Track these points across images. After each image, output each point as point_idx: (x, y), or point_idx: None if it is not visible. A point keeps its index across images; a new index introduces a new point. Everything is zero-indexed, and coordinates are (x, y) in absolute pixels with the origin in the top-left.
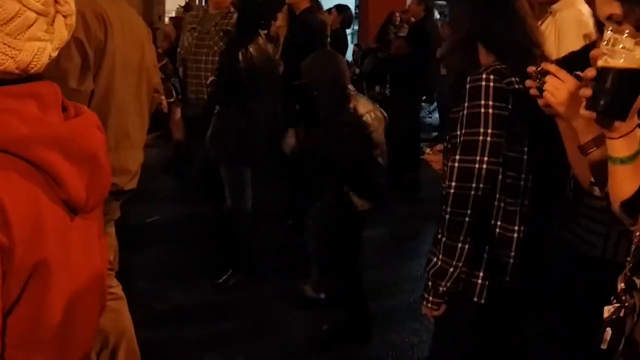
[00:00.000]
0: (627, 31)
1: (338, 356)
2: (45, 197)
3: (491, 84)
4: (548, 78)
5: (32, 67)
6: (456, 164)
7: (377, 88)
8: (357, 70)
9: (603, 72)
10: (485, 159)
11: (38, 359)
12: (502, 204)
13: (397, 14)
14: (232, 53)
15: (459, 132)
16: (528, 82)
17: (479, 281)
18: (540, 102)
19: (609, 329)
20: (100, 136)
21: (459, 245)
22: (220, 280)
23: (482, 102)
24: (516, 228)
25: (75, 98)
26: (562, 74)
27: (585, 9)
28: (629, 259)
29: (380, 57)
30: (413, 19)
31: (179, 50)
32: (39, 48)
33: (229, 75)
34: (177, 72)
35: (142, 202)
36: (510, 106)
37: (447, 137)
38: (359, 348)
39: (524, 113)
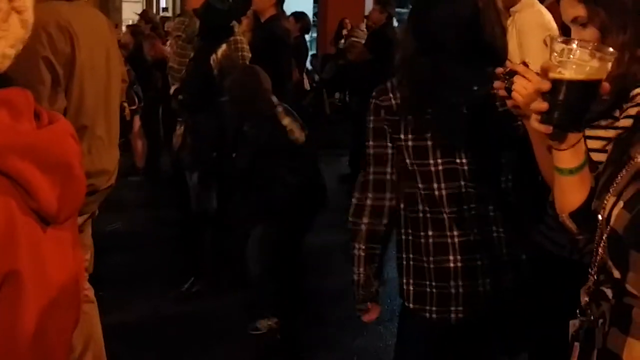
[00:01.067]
0: (577, 42)
1: None
2: (17, 207)
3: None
4: (516, 78)
5: None
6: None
7: (337, 95)
8: (317, 77)
9: (556, 84)
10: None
11: None
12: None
13: (347, 21)
14: (203, 59)
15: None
16: (497, 84)
17: (404, 287)
18: (508, 103)
19: (576, 344)
20: (74, 145)
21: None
22: (183, 289)
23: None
24: (454, 233)
25: None
26: (530, 74)
27: (546, 10)
28: (591, 271)
29: (340, 64)
30: (373, 26)
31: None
32: None
33: (201, 82)
34: (138, 79)
35: (103, 210)
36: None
37: None
38: (325, 354)
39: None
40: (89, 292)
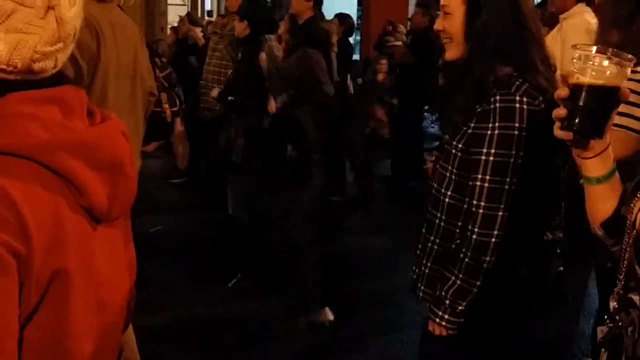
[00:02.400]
0: (595, 47)
1: None
2: (66, 205)
3: (525, 106)
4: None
5: (15, 62)
6: (486, 185)
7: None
8: (360, 80)
9: (575, 90)
10: (514, 180)
11: None
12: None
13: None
14: (251, 59)
15: (485, 150)
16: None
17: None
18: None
19: (603, 350)
20: (125, 143)
21: (485, 265)
22: (229, 285)
23: (517, 124)
24: (495, 232)
25: None
26: None
27: (593, 19)
28: (620, 277)
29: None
30: (416, 29)
31: None
32: (20, 41)
33: (251, 82)
34: (182, 81)
35: (145, 212)
36: (538, 127)
37: (458, 147)
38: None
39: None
40: None
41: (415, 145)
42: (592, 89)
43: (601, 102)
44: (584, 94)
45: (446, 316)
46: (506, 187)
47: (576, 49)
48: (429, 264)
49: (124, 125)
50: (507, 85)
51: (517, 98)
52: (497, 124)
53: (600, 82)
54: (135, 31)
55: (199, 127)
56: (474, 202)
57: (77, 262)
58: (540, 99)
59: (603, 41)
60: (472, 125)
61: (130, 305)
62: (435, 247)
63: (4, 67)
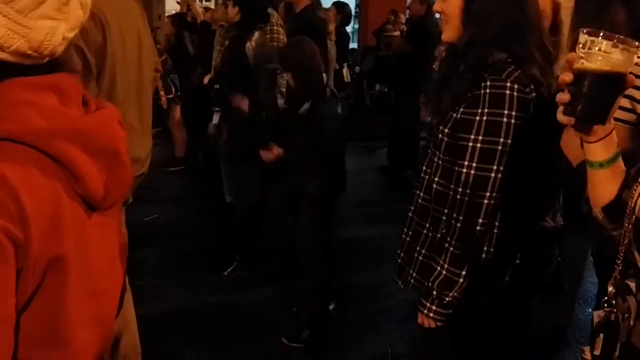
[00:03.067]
0: (602, 33)
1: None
2: (64, 192)
3: (515, 93)
4: None
5: (45, 48)
6: (472, 172)
7: (378, 86)
8: (357, 69)
9: (580, 75)
10: (501, 168)
11: (57, 356)
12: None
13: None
14: (237, 47)
15: (473, 137)
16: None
17: (460, 280)
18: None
19: (601, 335)
20: (121, 131)
21: (469, 254)
22: (225, 273)
23: (506, 111)
24: (497, 223)
25: None
26: None
27: None
28: (618, 262)
29: (381, 55)
30: (413, 17)
31: None
32: (51, 27)
33: (236, 70)
34: (180, 69)
35: (142, 200)
36: (528, 116)
37: (445, 132)
38: (357, 346)
39: (538, 119)
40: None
41: (411, 134)
42: (597, 75)
43: (606, 88)
44: (588, 79)
45: (434, 307)
46: (492, 174)
47: (582, 33)
48: (422, 251)
49: (120, 113)
50: (499, 71)
51: (508, 84)
52: (485, 110)
53: (606, 68)
54: (138, 13)
55: (196, 114)
56: (459, 189)
57: (73, 249)
58: (532, 87)
59: (575, 39)
60: (461, 110)
61: (122, 293)
62: (429, 234)
63: (31, 52)
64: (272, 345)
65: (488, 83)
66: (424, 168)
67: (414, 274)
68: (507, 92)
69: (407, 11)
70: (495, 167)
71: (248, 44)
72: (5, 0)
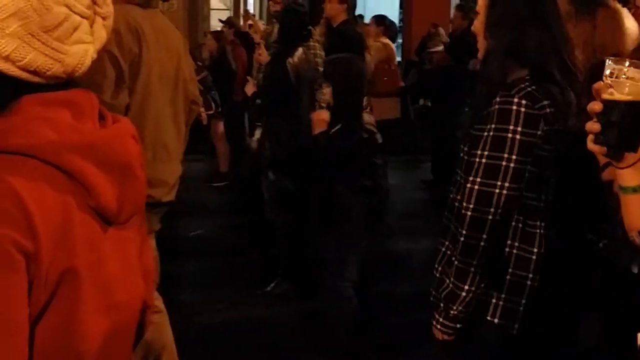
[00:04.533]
0: (628, 62)
1: None
2: (76, 206)
3: (522, 109)
4: None
5: (78, 70)
6: (476, 187)
7: (421, 101)
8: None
9: (609, 105)
10: (506, 184)
11: None
12: (520, 225)
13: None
14: (278, 63)
15: (479, 152)
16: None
17: (493, 300)
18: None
19: None
20: (135, 146)
21: (472, 270)
22: (269, 288)
23: (511, 127)
24: (535, 250)
25: (110, 111)
26: None
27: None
28: None
29: (424, 70)
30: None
31: None
32: (84, 50)
33: (277, 86)
34: (223, 84)
35: (186, 215)
36: (540, 132)
37: (464, 150)
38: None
39: (553, 136)
40: (158, 302)
41: (452, 149)
42: (626, 105)
43: (635, 117)
44: (617, 109)
45: (441, 319)
46: (497, 190)
47: (609, 62)
48: (439, 268)
49: (134, 129)
50: (511, 88)
51: (515, 100)
52: (493, 126)
53: (632, 97)
54: (179, 38)
55: (239, 129)
56: (464, 204)
57: (86, 262)
58: (545, 103)
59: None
60: (475, 127)
61: (143, 308)
62: (448, 251)
63: (64, 76)
64: (314, 358)
65: (498, 99)
66: (451, 188)
67: (432, 291)
68: (514, 107)
69: (450, 25)
70: (499, 183)
71: (290, 60)
72: (45, 29)
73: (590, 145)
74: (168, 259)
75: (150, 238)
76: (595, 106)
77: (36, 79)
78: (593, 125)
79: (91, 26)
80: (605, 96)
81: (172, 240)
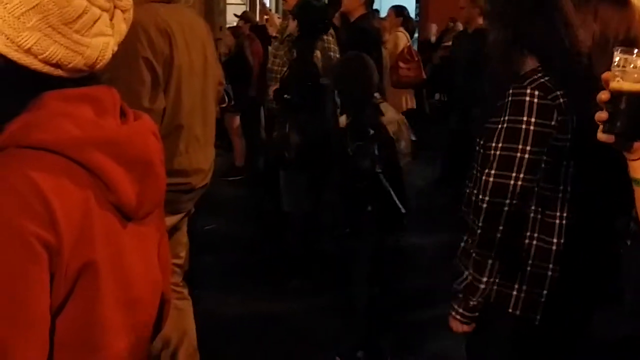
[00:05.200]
0: (637, 50)
1: None
2: (95, 201)
3: (535, 100)
4: None
5: (99, 63)
6: (491, 179)
7: (437, 96)
8: None
9: (617, 94)
10: (521, 175)
11: None
12: (539, 216)
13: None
14: (306, 58)
15: (494, 145)
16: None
17: (514, 293)
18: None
19: None
20: (155, 143)
21: (490, 261)
22: (282, 283)
23: (525, 118)
24: (555, 240)
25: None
26: None
27: None
28: None
29: (438, 65)
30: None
31: None
32: (104, 43)
33: (308, 80)
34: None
35: (201, 209)
36: (554, 122)
37: (480, 143)
38: (414, 357)
39: (568, 126)
40: (184, 289)
41: (468, 143)
42: (634, 94)
43: None
44: (625, 98)
45: (460, 310)
46: (512, 182)
47: (617, 52)
48: (458, 262)
49: (155, 126)
50: (523, 80)
51: (528, 91)
52: (506, 118)
53: None
54: (203, 27)
55: (255, 123)
56: (480, 196)
57: (105, 257)
58: (558, 93)
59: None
60: (490, 120)
61: (162, 303)
62: (467, 245)
63: (85, 68)
64: (327, 355)
65: (511, 91)
66: (468, 182)
67: (454, 284)
68: (527, 98)
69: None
70: (514, 174)
71: (317, 53)
72: (65, 22)
73: (599, 134)
74: None
75: (184, 222)
76: (603, 95)
77: (58, 72)
78: (601, 115)
79: (111, 19)
80: (613, 85)
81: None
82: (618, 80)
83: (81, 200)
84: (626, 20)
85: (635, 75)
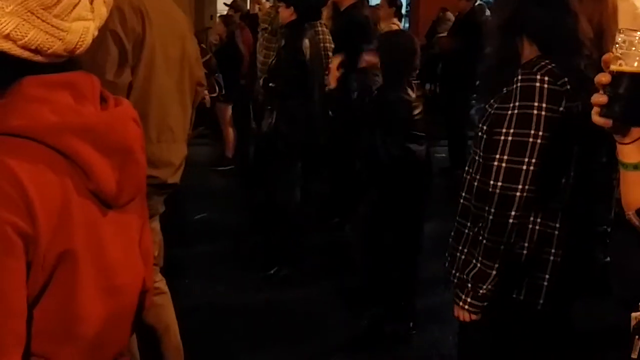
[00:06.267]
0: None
1: (380, 355)
2: (74, 188)
3: (546, 85)
4: None
5: (79, 48)
6: (503, 164)
7: (428, 86)
8: None
9: (617, 77)
10: (534, 160)
11: (69, 350)
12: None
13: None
14: (295, 46)
15: (504, 130)
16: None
17: (517, 277)
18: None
19: (637, 337)
20: (135, 129)
21: (502, 247)
22: (271, 272)
23: (536, 103)
24: (557, 225)
25: (112, 90)
26: None
27: None
28: None
29: (431, 55)
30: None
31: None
32: (84, 28)
33: (294, 68)
34: (231, 67)
35: (190, 199)
36: (562, 108)
37: (484, 129)
38: (404, 347)
39: (573, 113)
40: (161, 284)
41: (462, 133)
42: (634, 77)
43: None
44: (625, 81)
45: (468, 299)
46: (524, 167)
47: (619, 33)
48: (464, 250)
49: (136, 112)
50: (530, 66)
51: (538, 77)
52: (517, 103)
53: None
54: (184, 20)
55: (246, 113)
56: (491, 182)
57: (85, 245)
58: (565, 79)
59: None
60: (495, 105)
61: (143, 290)
62: (470, 232)
63: (65, 54)
64: (314, 344)
65: (519, 77)
66: (467, 168)
67: (456, 273)
68: (537, 84)
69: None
70: (527, 160)
71: (305, 42)
72: (45, 6)
73: (595, 118)
74: (172, 242)
75: (155, 221)
76: (603, 78)
77: (37, 58)
78: (599, 98)
79: (91, 3)
80: (614, 67)
81: (177, 223)
82: (620, 63)
83: (60, 188)
84: (599, 11)
85: (638, 59)
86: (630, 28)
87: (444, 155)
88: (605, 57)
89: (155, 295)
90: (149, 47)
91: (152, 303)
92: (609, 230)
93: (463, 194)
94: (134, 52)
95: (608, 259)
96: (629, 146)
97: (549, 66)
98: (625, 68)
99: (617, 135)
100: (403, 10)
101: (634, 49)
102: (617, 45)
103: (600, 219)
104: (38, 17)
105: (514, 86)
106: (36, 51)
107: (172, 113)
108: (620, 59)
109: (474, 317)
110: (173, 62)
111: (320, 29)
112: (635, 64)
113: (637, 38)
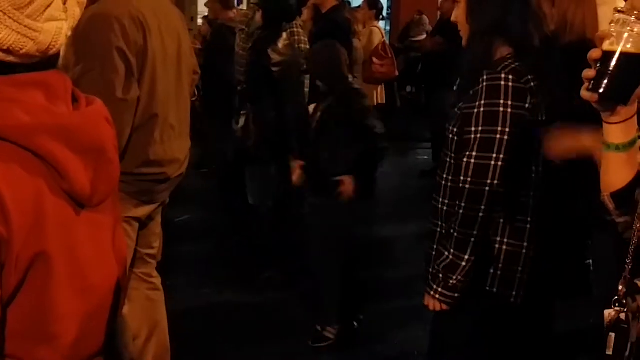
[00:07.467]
0: (636, 13)
1: (362, 354)
2: (47, 189)
3: (510, 83)
4: None
5: (52, 49)
6: (472, 160)
7: (408, 88)
8: None
9: (608, 54)
10: (502, 156)
11: (44, 352)
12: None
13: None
14: (262, 50)
15: (473, 129)
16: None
17: (491, 270)
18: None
19: (612, 334)
20: (108, 129)
21: (472, 240)
22: (254, 274)
23: (502, 101)
24: (529, 219)
25: (123, 107)
26: None
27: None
28: (628, 260)
29: (411, 57)
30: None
31: None
32: (57, 28)
33: (260, 72)
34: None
35: (172, 201)
36: (528, 105)
37: (454, 131)
38: (383, 346)
39: (540, 108)
40: (156, 280)
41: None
42: (625, 56)
43: (632, 69)
44: (616, 59)
45: (439, 289)
46: (492, 162)
47: (616, 12)
48: (435, 247)
49: (107, 110)
50: (496, 66)
51: (503, 76)
52: (483, 102)
53: (634, 50)
54: (178, 15)
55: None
56: (461, 177)
57: (58, 245)
58: (529, 77)
59: None
60: (463, 106)
61: (122, 290)
62: (443, 231)
63: (38, 54)
64: (299, 344)
65: (485, 77)
66: (438, 172)
67: (429, 268)
68: (502, 82)
69: (439, 12)
70: (494, 155)
71: (273, 46)
72: (17, 7)
73: (583, 92)
74: None
75: (158, 213)
76: (594, 53)
77: (9, 59)
78: (589, 72)
79: (64, 3)
80: (606, 45)
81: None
82: (612, 41)
83: (33, 188)
84: (582, 9)
85: (631, 40)
86: (630, 8)
87: (426, 157)
88: (599, 32)
89: (150, 290)
90: (150, 56)
91: (142, 305)
92: (590, 230)
93: (435, 196)
94: (137, 64)
95: (590, 260)
96: (615, 126)
97: (513, 65)
98: (616, 47)
99: (604, 114)
100: (384, 13)
101: (628, 28)
102: (612, 23)
103: (582, 217)
104: (10, 17)
105: (480, 86)
106: (8, 52)
107: (173, 111)
108: (613, 36)
109: (444, 306)
110: (171, 60)
111: (296, 29)
112: (628, 44)
113: (632, 18)
